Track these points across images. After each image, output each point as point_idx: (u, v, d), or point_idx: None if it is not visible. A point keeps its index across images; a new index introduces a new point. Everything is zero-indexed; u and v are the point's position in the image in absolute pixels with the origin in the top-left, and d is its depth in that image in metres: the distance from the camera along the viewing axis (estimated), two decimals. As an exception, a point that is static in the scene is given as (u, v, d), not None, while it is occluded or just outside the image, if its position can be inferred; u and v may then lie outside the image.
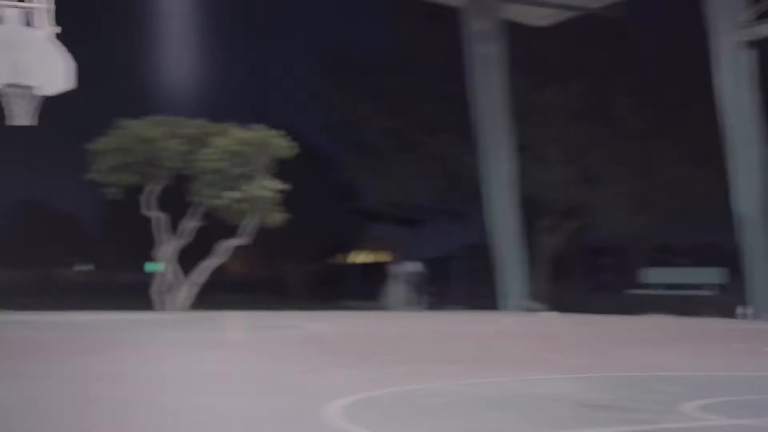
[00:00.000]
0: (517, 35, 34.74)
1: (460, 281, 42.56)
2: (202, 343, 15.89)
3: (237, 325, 22.43)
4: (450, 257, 47.38)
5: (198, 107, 43.64)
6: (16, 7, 21.45)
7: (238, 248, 34.10)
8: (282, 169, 32.82)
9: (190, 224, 32.67)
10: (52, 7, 21.29)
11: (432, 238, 53.37)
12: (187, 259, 33.08)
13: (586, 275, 45.93)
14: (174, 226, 32.75)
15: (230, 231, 33.07)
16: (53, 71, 21.50)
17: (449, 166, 43.05)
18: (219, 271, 35.10)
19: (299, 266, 58.08)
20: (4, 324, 21.18)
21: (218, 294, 45.57)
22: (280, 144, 32.19)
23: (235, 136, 32.03)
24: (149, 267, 32.86)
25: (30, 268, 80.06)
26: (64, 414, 6.98)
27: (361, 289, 44.41)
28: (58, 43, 21.30)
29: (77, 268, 79.64)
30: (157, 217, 32.45)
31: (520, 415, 7.19)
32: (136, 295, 34.68)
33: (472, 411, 7.44)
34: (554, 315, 29.58)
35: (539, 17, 35.30)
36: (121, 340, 16.16)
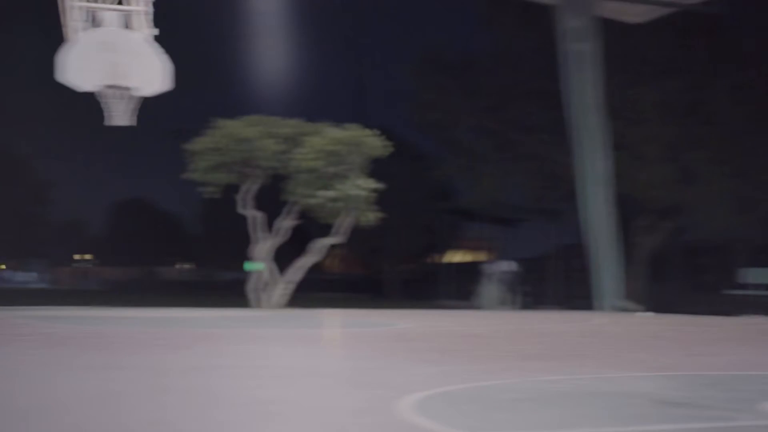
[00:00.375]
0: (613, 32, 34.31)
1: (556, 281, 42.19)
2: (291, 339, 16.05)
3: (327, 322, 22.62)
4: (547, 257, 46.99)
5: (294, 107, 44.34)
6: (116, 10, 22.03)
7: (334, 247, 34.40)
8: (377, 168, 32.99)
9: (286, 223, 33.05)
10: (150, 10, 21.80)
11: (529, 237, 53.09)
12: (283, 258, 33.51)
13: (684, 275, 45.01)
14: (269, 224, 33.20)
15: (325, 230, 33.38)
16: (151, 73, 22.02)
17: (545, 164, 42.71)
18: (316, 270, 35.46)
19: (395, 266, 58.30)
20: (103, 319, 21.76)
21: (314, 292, 46.23)
22: (375, 143, 32.33)
23: (330, 135, 32.29)
24: (248, 266, 33.34)
25: (134, 266, 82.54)
26: (144, 403, 7.15)
27: (456, 289, 44.38)
28: (155, 45, 21.77)
29: (178, 266, 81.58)
30: (253, 216, 32.92)
31: (590, 411, 7.09)
32: (234, 293, 35.23)
33: (544, 406, 7.36)
34: (649, 315, 29.06)
35: (635, 14, 34.77)
36: (212, 335, 16.43)
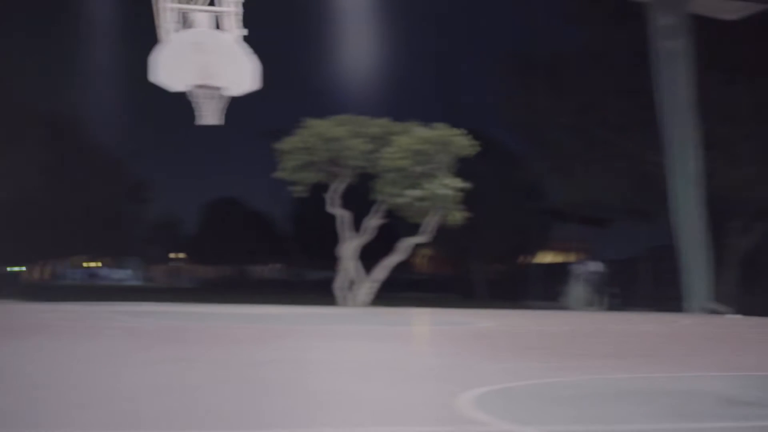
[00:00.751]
0: (706, 29, 33.64)
1: (646, 282, 41.53)
2: (366, 335, 16.17)
3: (406, 320, 22.69)
4: (637, 258, 46.25)
5: (382, 106, 44.48)
6: (207, 11, 22.45)
7: (423, 248, 34.46)
8: (467, 168, 32.93)
9: (373, 222, 33.23)
10: (240, 10, 22.15)
11: (619, 238, 52.35)
12: (370, 257, 33.68)
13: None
14: (356, 223, 33.41)
15: (412, 229, 33.45)
16: (240, 73, 22.35)
17: (636, 164, 42.03)
18: (406, 270, 35.58)
19: (484, 266, 58.06)
20: (187, 315, 22.21)
21: (403, 292, 46.31)
22: (463, 142, 32.29)
23: (418, 134, 32.34)
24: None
25: (226, 264, 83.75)
26: (202, 393, 7.32)
27: (545, 290, 44.02)
28: (244, 45, 22.11)
29: (269, 265, 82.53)
30: (341, 214, 33.17)
31: (652, 408, 7.03)
32: (324, 291, 35.50)
33: (604, 402, 7.34)
34: (738, 318, 28.44)
35: (727, 11, 34.02)
36: (290, 331, 16.65)
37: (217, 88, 22.98)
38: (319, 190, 33.45)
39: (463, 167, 32.86)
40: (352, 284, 32.90)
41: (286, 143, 32.71)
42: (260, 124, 60.71)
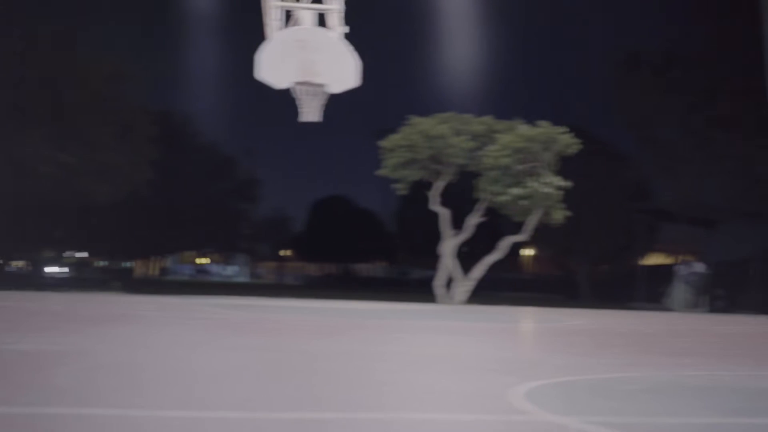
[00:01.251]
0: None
1: (756, 285, 40.41)
2: (448, 330, 16.21)
3: (495, 317, 22.58)
4: (747, 260, 45.05)
5: (486, 104, 44.34)
6: (311, 9, 22.73)
7: (528, 248, 34.23)
8: (573, 167, 32.61)
9: (473, 220, 33.16)
10: (342, 8, 22.36)
11: (729, 240, 51.02)
12: (472, 255, 33.61)
13: None
14: (457, 221, 33.38)
15: (513, 227, 33.26)
16: (342, 70, 22.54)
17: (748, 165, 40.99)
18: (511, 269, 35.39)
19: (589, 267, 57.28)
20: (278, 309, 22.56)
21: (507, 292, 46.09)
22: (567, 140, 31.98)
23: (521, 132, 32.16)
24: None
25: (331, 262, 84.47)
26: (261, 380, 7.49)
27: (650, 291, 43.24)
28: (346, 42, 22.30)
29: (373, 263, 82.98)
30: (442, 212, 33.19)
31: (703, 403, 6.94)
32: (426, 289, 35.54)
33: (661, 397, 7.25)
34: None
35: None
36: (374, 325, 16.77)
37: (320, 85, 23.21)
38: (422, 188, 33.55)
39: (568, 166, 32.54)
40: (450, 282, 32.90)
41: (389, 141, 32.89)
42: (370, 123, 61.18)
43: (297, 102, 24.01)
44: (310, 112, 23.76)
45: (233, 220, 77.18)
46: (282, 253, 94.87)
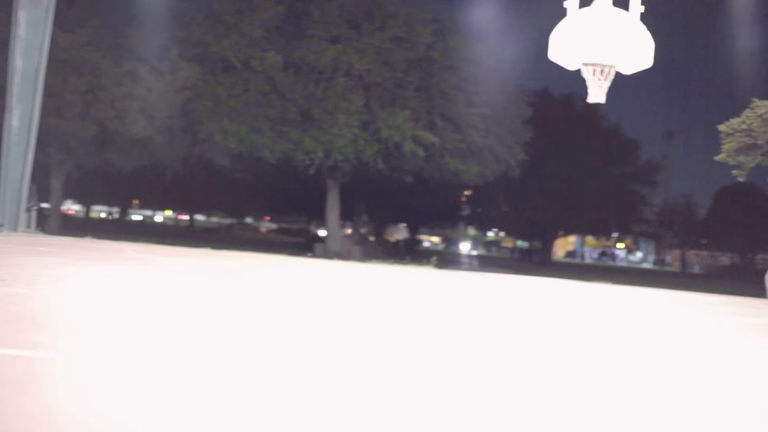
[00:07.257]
0: None
1: None
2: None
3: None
4: None
5: None
6: (607, -11, 22.67)
7: None
8: None
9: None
10: (640, -14, 22.05)
11: None
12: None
13: None
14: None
15: None
16: (634, 50, 22.27)
17: None
18: None
19: None
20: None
21: None
22: None
23: None
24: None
25: (735, 252, 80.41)
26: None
27: None
28: (640, 22, 22.04)
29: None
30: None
31: None
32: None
33: None
34: None
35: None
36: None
37: (610, 66, 23.13)
38: (760, 174, 31.62)
39: None
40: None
41: (728, 125, 31.27)
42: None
43: (588, 83, 24.03)
44: (597, 94, 23.67)
45: (632, 204, 76.50)
46: (690, 241, 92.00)
